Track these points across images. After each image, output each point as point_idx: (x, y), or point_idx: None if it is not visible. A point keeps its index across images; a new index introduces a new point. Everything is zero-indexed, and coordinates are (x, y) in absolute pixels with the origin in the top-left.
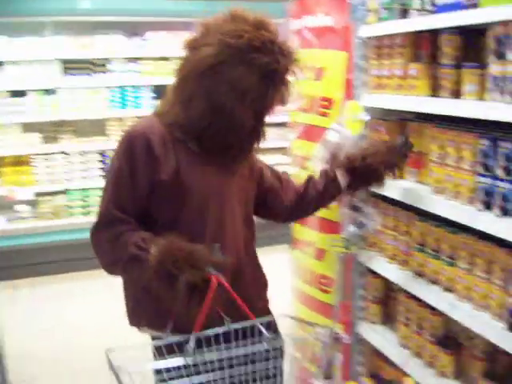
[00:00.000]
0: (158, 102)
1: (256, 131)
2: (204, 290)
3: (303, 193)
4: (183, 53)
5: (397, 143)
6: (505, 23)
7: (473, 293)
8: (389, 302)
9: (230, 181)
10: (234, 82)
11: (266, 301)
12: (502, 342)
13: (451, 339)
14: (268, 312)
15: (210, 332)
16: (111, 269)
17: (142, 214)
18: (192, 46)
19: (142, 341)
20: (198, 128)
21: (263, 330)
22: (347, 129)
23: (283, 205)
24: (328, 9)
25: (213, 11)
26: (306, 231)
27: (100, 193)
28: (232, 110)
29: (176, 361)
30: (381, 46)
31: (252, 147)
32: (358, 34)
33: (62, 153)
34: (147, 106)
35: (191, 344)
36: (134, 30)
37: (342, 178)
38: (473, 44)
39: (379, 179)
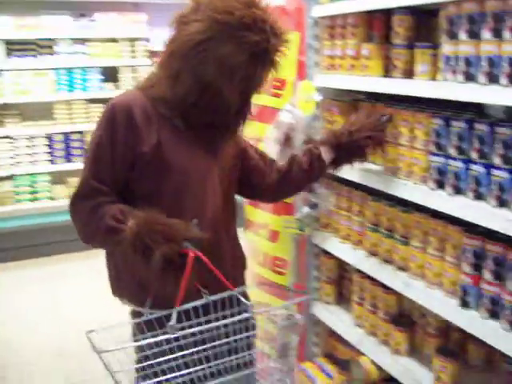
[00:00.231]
0: (107, 84)
1: (242, 111)
2: (181, 265)
3: (287, 172)
4: (172, 28)
5: (382, 119)
6: (457, 3)
7: (426, 271)
8: (343, 282)
9: (213, 160)
10: (223, 59)
11: (243, 280)
12: (455, 319)
13: (405, 317)
14: (245, 292)
15: (189, 306)
16: (89, 240)
17: (122, 186)
18: (181, 21)
19: (124, 318)
20: (184, 104)
21: (242, 299)
22: (300, 109)
23: (268, 184)
24: None
25: None
26: (259, 213)
27: (48, 178)
28: (219, 87)
29: (160, 337)
30: (333, 26)
31: (238, 128)
32: (311, 13)
33: (7, 137)
34: (95, 89)
35: (173, 319)
36: (81, 10)
37: (327, 155)
38: (425, 24)
39: (363, 155)
